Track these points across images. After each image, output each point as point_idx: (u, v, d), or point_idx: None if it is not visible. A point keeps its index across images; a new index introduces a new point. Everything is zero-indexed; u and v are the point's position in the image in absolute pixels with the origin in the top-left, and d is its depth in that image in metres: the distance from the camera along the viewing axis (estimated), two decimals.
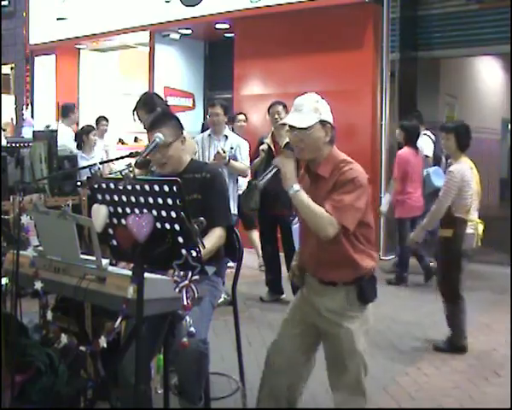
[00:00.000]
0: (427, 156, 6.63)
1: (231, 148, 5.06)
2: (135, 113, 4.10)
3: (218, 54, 9.51)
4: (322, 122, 2.38)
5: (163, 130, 2.72)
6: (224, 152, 4.92)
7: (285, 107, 5.21)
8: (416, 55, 8.20)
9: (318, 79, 7.34)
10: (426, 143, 6.73)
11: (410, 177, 6.02)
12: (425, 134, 6.83)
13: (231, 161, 4.97)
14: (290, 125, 2.40)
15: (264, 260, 5.56)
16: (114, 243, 2.20)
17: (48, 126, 6.35)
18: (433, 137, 6.89)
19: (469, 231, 4.03)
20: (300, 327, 2.50)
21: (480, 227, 4.07)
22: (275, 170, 2.36)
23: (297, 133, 2.37)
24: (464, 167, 4.04)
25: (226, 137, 5.14)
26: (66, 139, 6.06)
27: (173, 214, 1.99)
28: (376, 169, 7.17)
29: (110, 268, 2.08)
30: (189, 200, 2.67)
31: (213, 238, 2.73)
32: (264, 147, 5.22)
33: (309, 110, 2.37)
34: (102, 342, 2.02)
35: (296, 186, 2.31)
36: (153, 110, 3.88)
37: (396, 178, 6.06)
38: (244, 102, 8.09)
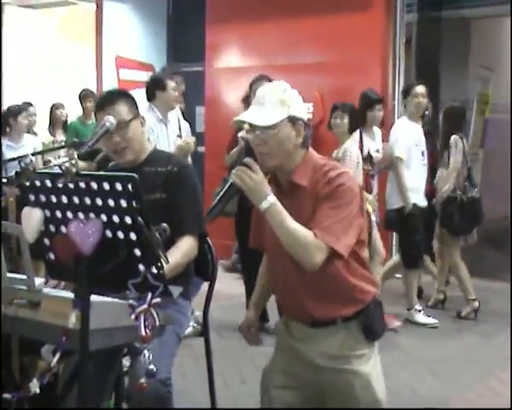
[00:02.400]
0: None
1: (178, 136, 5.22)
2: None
3: (186, 15, 9.49)
4: (293, 119, 2.33)
5: (117, 107, 2.77)
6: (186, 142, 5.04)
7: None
8: (440, 16, 8.26)
9: (313, 47, 7.38)
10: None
11: None
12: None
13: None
14: (249, 124, 2.36)
15: (244, 278, 5.58)
16: (51, 256, 2.20)
17: None
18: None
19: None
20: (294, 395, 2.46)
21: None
22: (233, 188, 2.24)
23: (259, 133, 2.31)
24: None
25: (178, 119, 5.29)
26: None
27: (128, 220, 1.99)
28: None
29: (46, 290, 2.07)
30: (149, 200, 2.67)
31: (181, 250, 2.74)
32: (243, 134, 5.24)
33: (273, 103, 2.32)
34: (34, 386, 2.00)
35: (270, 198, 2.22)
36: None
37: None
38: (219, 76, 8.11)
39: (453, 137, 5.87)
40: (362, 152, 5.36)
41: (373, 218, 5.29)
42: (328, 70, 7.41)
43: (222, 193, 2.26)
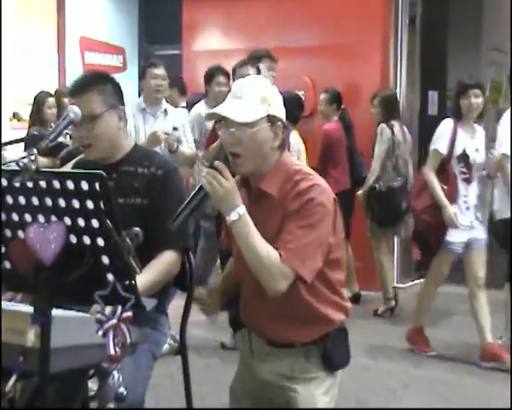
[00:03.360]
0: None
1: (174, 128, 5.12)
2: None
3: None
4: (272, 118, 2.36)
5: (87, 97, 2.74)
6: (167, 134, 4.94)
7: (258, 70, 5.25)
8: None
9: (304, 28, 7.40)
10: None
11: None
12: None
13: (180, 147, 5.02)
14: (223, 119, 2.36)
15: None
16: (7, 265, 2.17)
17: None
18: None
19: None
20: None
21: None
22: (202, 193, 2.28)
23: (234, 131, 2.33)
24: None
25: (166, 112, 5.22)
26: None
27: (95, 224, 1.98)
28: None
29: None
30: (126, 205, 2.66)
31: (162, 267, 2.73)
32: None
33: (253, 99, 2.34)
34: None
35: (240, 209, 2.26)
36: None
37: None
38: (197, 60, 8.11)
39: (380, 126, 6.18)
40: (453, 149, 5.02)
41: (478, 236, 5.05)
42: (321, 54, 7.43)
43: (189, 197, 2.29)
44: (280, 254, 2.27)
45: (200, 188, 2.28)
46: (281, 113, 2.40)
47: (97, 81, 2.83)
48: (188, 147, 5.15)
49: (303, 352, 2.44)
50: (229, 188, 2.25)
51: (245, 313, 2.58)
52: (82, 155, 3.01)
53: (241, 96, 2.35)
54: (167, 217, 2.73)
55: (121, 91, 2.89)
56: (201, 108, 5.63)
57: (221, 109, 2.38)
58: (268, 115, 2.35)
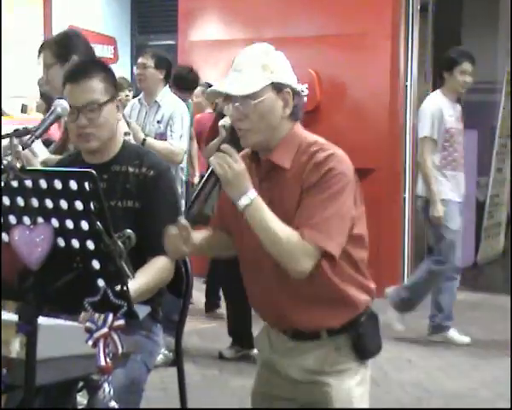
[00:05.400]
0: None
1: (158, 122, 5.24)
2: (40, 57, 4.03)
3: None
4: (277, 85, 2.34)
5: (92, 83, 2.76)
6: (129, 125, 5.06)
7: None
8: None
9: (309, 18, 7.39)
10: None
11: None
12: None
13: (149, 139, 5.09)
14: (227, 95, 2.37)
15: (225, 297, 5.58)
16: None
17: None
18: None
19: None
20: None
21: None
22: (213, 178, 2.27)
23: (238, 106, 2.33)
24: None
25: (158, 105, 5.31)
26: None
27: (85, 226, 1.97)
28: (397, 152, 7.28)
29: None
30: (119, 208, 2.67)
31: (155, 273, 2.73)
32: (225, 122, 5.23)
33: (253, 68, 2.33)
34: None
35: (251, 193, 2.25)
36: (66, 56, 3.81)
37: None
38: (194, 51, 8.10)
39: None
40: None
41: None
42: (326, 45, 7.42)
43: (201, 184, 2.28)
44: (301, 233, 2.24)
45: (211, 173, 2.26)
46: (288, 78, 2.37)
47: (99, 69, 2.86)
48: (170, 140, 5.20)
49: (331, 343, 2.41)
50: (239, 170, 2.23)
51: (261, 307, 2.53)
52: (67, 153, 3.01)
53: (241, 69, 2.35)
54: (160, 220, 2.73)
55: (116, 81, 2.92)
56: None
57: (221, 85, 2.38)
58: (272, 83, 2.32)
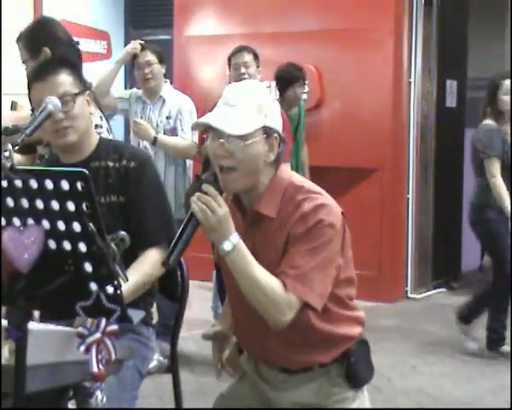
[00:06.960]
0: None
1: (167, 117, 5.23)
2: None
3: None
4: (268, 130, 2.32)
5: (60, 77, 2.77)
6: (139, 124, 5.06)
7: (256, 56, 5.30)
8: None
9: (309, 12, 7.39)
10: None
11: None
12: None
13: (161, 136, 5.11)
14: (214, 130, 2.29)
15: (222, 300, 5.55)
16: None
17: None
18: None
19: None
20: None
21: None
22: (194, 222, 2.22)
23: (224, 143, 2.26)
24: None
25: (163, 100, 5.29)
26: None
27: (77, 227, 1.98)
28: (401, 153, 7.28)
29: None
30: (102, 205, 2.65)
31: (146, 267, 2.73)
32: None
33: (248, 107, 2.29)
34: None
35: (233, 238, 2.22)
36: (37, 50, 3.80)
37: None
38: (190, 46, 8.11)
39: None
40: None
41: None
42: (326, 40, 7.42)
43: (181, 228, 2.23)
44: (284, 283, 2.25)
45: (191, 216, 2.22)
46: (277, 124, 2.36)
47: (63, 63, 2.89)
48: (181, 136, 5.21)
49: (324, 374, 2.43)
50: (222, 216, 2.20)
51: (247, 347, 2.56)
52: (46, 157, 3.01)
53: (235, 104, 2.30)
54: (147, 211, 2.74)
55: (83, 77, 2.95)
56: None
57: (212, 119, 2.30)
58: (264, 126, 2.30)
